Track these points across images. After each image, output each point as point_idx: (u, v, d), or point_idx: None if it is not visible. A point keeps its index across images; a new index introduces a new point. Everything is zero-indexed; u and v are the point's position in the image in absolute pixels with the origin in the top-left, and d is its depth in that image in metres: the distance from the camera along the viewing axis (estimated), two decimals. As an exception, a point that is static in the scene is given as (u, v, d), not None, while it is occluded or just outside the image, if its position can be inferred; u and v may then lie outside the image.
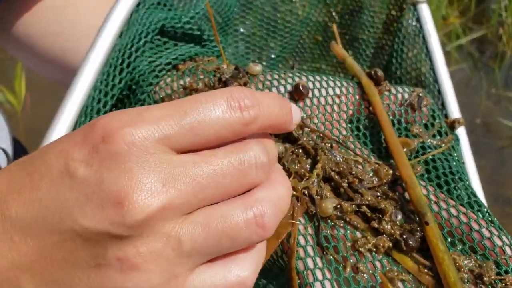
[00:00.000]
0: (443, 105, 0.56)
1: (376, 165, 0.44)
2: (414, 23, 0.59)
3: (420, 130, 0.48)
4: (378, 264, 0.39)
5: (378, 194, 0.42)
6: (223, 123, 0.31)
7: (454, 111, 0.55)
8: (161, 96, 0.47)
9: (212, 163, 0.31)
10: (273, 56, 0.64)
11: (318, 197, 0.41)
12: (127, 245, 0.29)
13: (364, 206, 0.41)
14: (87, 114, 0.46)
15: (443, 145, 0.48)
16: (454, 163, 0.46)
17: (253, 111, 0.32)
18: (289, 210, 0.40)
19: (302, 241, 0.39)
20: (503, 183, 1.82)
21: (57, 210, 0.29)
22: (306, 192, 0.41)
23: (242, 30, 0.63)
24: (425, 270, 0.38)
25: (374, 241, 0.39)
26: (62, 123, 0.46)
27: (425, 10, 0.59)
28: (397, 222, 0.41)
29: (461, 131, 0.54)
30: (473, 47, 2.29)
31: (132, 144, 0.29)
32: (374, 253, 0.39)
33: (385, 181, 0.43)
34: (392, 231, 0.40)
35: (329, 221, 0.41)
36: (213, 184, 0.31)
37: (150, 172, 0.29)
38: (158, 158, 0.30)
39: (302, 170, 0.42)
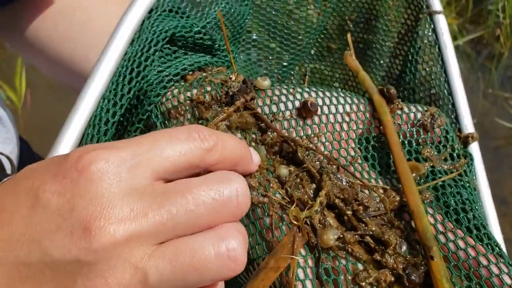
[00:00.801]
0: (457, 119, 0.55)
1: (382, 193, 0.43)
2: (430, 34, 0.59)
3: (432, 153, 0.46)
4: None
5: (383, 222, 0.41)
6: (187, 150, 0.33)
7: (468, 125, 0.55)
8: (167, 107, 0.46)
9: (186, 192, 0.32)
10: (285, 63, 0.64)
11: (321, 225, 0.40)
12: (96, 275, 0.29)
13: (367, 237, 0.40)
14: (95, 124, 0.45)
15: (455, 170, 0.47)
16: (465, 190, 0.45)
17: (212, 140, 0.35)
18: (289, 241, 0.39)
19: (301, 275, 0.38)
20: (499, 183, 1.83)
21: (26, 243, 0.29)
22: (308, 221, 0.40)
23: (254, 37, 0.62)
24: None
25: (375, 275, 0.38)
26: (70, 133, 0.45)
27: (441, 21, 0.58)
28: (402, 253, 0.39)
29: (474, 147, 0.54)
30: (470, 47, 2.29)
31: (105, 171, 0.30)
32: (376, 285, 0.38)
33: (391, 207, 0.42)
34: (395, 265, 0.39)
35: (330, 251, 0.39)
36: (184, 215, 0.31)
37: (121, 198, 0.30)
38: (129, 185, 0.31)
39: (306, 196, 0.41)
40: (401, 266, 0.39)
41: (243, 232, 0.34)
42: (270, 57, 0.63)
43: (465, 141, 0.53)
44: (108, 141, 0.45)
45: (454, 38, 2.14)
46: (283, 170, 0.43)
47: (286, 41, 0.62)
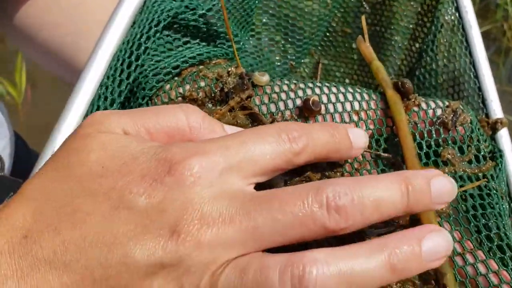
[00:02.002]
0: (484, 104, 0.51)
1: None
2: (452, 12, 0.55)
3: (453, 155, 0.41)
4: None
5: None
6: (277, 153, 0.32)
7: (496, 109, 0.51)
8: (157, 104, 0.43)
9: (274, 200, 0.30)
10: (298, 49, 0.60)
11: None
12: (173, 278, 0.29)
13: None
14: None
15: (480, 175, 0.41)
16: (491, 201, 0.40)
17: (301, 142, 0.33)
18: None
19: None
20: (508, 180, 1.79)
21: (106, 243, 0.28)
22: None
23: (265, 20, 0.59)
24: None
25: None
26: (68, 123, 0.42)
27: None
28: (411, 278, 0.35)
29: (503, 134, 0.50)
30: (477, 42, 2.26)
31: (197, 175, 0.30)
32: None
33: (402, 223, 0.37)
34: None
35: None
36: (271, 224, 0.30)
37: (211, 203, 0.30)
38: (220, 189, 0.30)
39: None
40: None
41: (328, 260, 0.29)
42: (282, 42, 0.59)
43: (494, 127, 0.49)
44: None
45: (461, 32, 2.11)
46: (277, 181, 0.38)
47: (299, 24, 0.59)
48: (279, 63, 0.59)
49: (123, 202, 0.29)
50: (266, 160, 0.32)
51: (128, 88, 0.43)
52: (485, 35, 2.27)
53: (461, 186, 0.40)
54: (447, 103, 0.42)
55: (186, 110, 0.35)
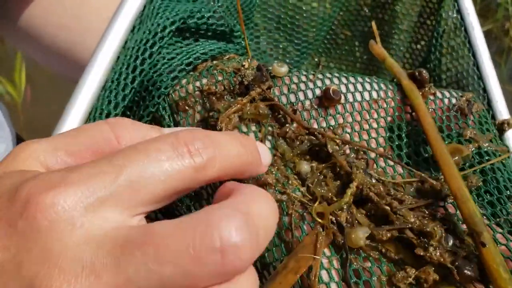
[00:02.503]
0: (489, 105, 0.51)
1: (421, 185, 0.38)
2: (454, 15, 0.54)
3: (475, 132, 0.42)
4: None
5: (424, 215, 0.36)
6: (171, 174, 0.26)
7: (502, 110, 0.50)
8: (175, 99, 0.42)
9: (148, 244, 0.24)
10: (297, 52, 0.59)
11: (348, 224, 0.35)
12: None
13: (406, 231, 0.35)
14: (96, 117, 0.41)
15: (501, 154, 0.41)
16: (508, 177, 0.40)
17: (206, 154, 0.27)
18: (311, 241, 0.34)
19: (326, 277, 0.33)
20: None
21: None
22: (334, 219, 0.35)
23: (264, 24, 0.58)
24: None
25: (416, 273, 0.33)
26: (68, 127, 0.41)
27: (467, 2, 0.53)
28: (448, 248, 0.34)
29: (510, 135, 0.49)
30: (479, 42, 2.25)
31: (54, 217, 0.24)
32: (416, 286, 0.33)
33: (430, 200, 0.37)
34: (442, 259, 0.33)
35: (360, 252, 0.34)
36: (145, 277, 0.24)
37: (73, 251, 0.24)
38: (85, 232, 0.25)
39: (330, 194, 0.37)
40: (449, 259, 0.33)
41: None
42: (281, 46, 0.58)
43: (500, 128, 0.48)
44: None
45: (462, 33, 2.10)
46: (305, 166, 0.38)
47: (297, 28, 0.58)
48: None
49: None
50: (157, 183, 0.26)
51: (133, 91, 0.42)
52: (486, 35, 2.26)
53: (487, 161, 0.40)
54: (461, 94, 0.43)
55: (112, 121, 0.30)
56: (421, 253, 0.34)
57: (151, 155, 0.26)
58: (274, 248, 0.35)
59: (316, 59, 0.63)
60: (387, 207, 0.36)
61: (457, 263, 0.33)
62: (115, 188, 0.25)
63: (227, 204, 0.26)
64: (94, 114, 0.41)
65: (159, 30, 0.43)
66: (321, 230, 0.34)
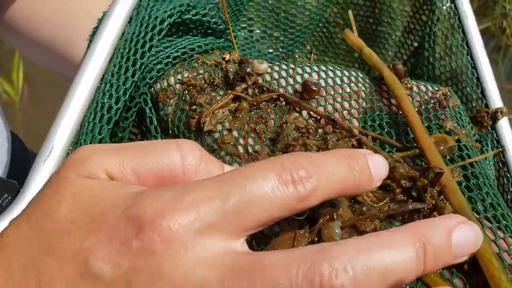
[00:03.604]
0: (483, 94, 0.50)
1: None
2: (448, 4, 0.54)
3: (455, 125, 0.41)
4: None
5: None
6: (274, 202, 0.27)
7: (496, 99, 0.50)
8: (156, 91, 0.42)
9: (265, 278, 0.25)
10: (290, 42, 0.59)
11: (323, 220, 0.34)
12: None
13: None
14: (96, 111, 0.40)
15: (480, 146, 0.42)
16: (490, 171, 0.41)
17: (310, 184, 0.27)
18: (288, 238, 0.33)
19: None
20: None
21: None
22: (312, 215, 0.34)
23: (257, 12, 0.58)
24: None
25: None
26: (67, 120, 0.40)
27: (460, -11, 0.53)
28: None
29: (503, 123, 0.49)
30: (476, 39, 2.25)
31: (169, 240, 0.25)
32: None
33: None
34: None
35: None
36: None
37: (183, 274, 0.25)
38: (196, 255, 0.26)
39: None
40: None
41: None
42: (274, 34, 0.58)
43: (494, 116, 0.48)
44: (110, 133, 0.41)
45: (460, 30, 2.10)
46: None
47: (291, 17, 0.58)
48: (270, 55, 0.58)
49: (88, 269, 0.26)
50: (261, 212, 0.27)
51: (134, 85, 0.42)
52: (484, 33, 2.26)
53: (467, 154, 0.40)
54: (436, 88, 0.43)
55: (182, 149, 0.30)
56: None
57: (256, 183, 0.27)
58: (253, 240, 0.34)
59: (308, 47, 0.62)
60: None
61: None
62: (223, 214, 0.26)
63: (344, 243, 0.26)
64: (96, 108, 0.41)
65: (157, 22, 0.43)
66: (297, 227, 0.33)
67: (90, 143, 0.39)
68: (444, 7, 0.54)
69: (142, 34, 0.42)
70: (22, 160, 0.66)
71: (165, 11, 0.43)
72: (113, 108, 0.40)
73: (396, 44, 0.59)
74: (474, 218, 0.33)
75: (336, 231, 0.33)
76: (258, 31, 0.58)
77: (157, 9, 0.44)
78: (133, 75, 0.41)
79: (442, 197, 0.36)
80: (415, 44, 0.58)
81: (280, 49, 0.58)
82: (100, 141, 0.40)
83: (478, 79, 0.51)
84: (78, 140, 0.39)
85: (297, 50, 0.61)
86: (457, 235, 0.27)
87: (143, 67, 0.42)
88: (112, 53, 0.43)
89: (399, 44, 0.59)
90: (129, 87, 0.41)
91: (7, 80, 1.86)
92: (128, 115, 0.43)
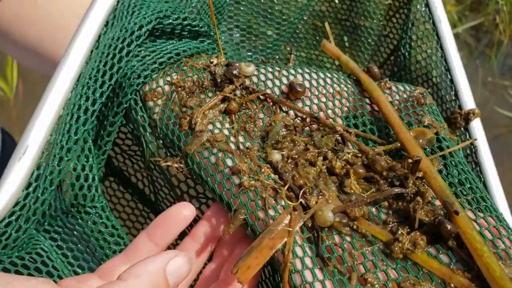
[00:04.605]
0: (457, 96, 0.52)
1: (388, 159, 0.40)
2: (423, 9, 0.55)
3: (433, 119, 0.43)
4: (392, 273, 0.34)
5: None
6: None
7: (468, 100, 0.51)
8: (144, 91, 0.43)
9: None
10: (269, 45, 0.60)
11: (316, 202, 0.37)
12: None
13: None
14: (73, 113, 0.41)
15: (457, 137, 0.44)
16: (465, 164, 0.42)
17: None
18: (284, 219, 0.35)
19: (300, 252, 0.35)
20: (498, 173, 1.79)
21: None
22: (304, 202, 0.37)
23: (236, 17, 0.59)
24: (459, 271, 0.34)
25: (409, 238, 0.35)
26: (41, 120, 0.40)
27: (435, -6, 0.54)
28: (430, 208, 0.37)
29: (476, 124, 0.50)
30: (469, 35, 2.25)
31: None
32: (386, 259, 0.35)
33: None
34: (427, 218, 0.36)
35: (332, 230, 0.36)
36: None
37: None
38: None
39: (301, 181, 0.38)
40: (431, 218, 0.36)
41: None
42: (254, 38, 0.59)
43: (467, 118, 0.50)
44: (87, 132, 0.42)
45: (453, 25, 2.10)
46: (276, 155, 0.40)
47: (270, 21, 0.58)
48: (250, 58, 0.59)
49: None
50: None
51: (110, 88, 0.43)
52: (477, 28, 2.26)
53: (446, 146, 0.42)
54: (413, 88, 0.46)
55: None
56: (414, 215, 0.36)
57: None
58: (248, 228, 0.36)
59: (288, 48, 0.63)
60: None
61: (438, 220, 0.35)
62: None
63: None
64: (72, 110, 0.41)
65: (136, 28, 0.43)
66: (292, 209, 0.36)
67: (66, 143, 0.40)
68: (419, 11, 0.55)
69: (121, 40, 0.43)
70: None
71: (144, 17, 0.44)
72: (89, 110, 0.41)
73: (372, 47, 0.60)
74: (454, 198, 0.36)
75: (329, 214, 0.35)
76: (237, 34, 0.59)
77: (137, 15, 0.44)
78: (110, 79, 0.42)
79: (424, 181, 0.38)
80: (391, 47, 0.59)
81: (259, 52, 0.59)
82: (76, 142, 0.41)
83: (452, 81, 0.52)
84: (54, 140, 0.40)
85: (277, 52, 0.62)
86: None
87: (120, 70, 0.43)
88: (89, 56, 0.43)
89: (375, 47, 0.60)
90: (106, 90, 0.42)
91: (1, 77, 1.86)
92: (110, 114, 0.43)
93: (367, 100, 0.44)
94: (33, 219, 0.38)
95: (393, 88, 0.45)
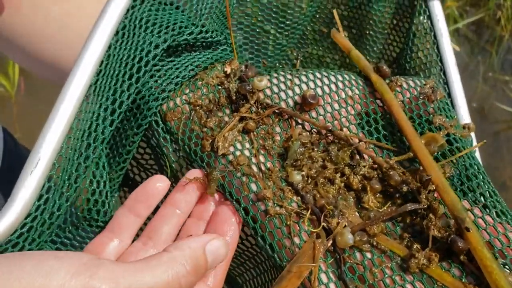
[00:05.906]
0: (454, 109, 0.53)
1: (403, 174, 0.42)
2: (425, 21, 0.56)
3: (444, 120, 0.45)
4: (409, 287, 0.37)
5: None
6: None
7: (464, 115, 0.53)
8: (164, 111, 0.45)
9: None
10: (271, 48, 0.61)
11: (337, 224, 0.40)
12: None
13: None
14: (91, 132, 0.42)
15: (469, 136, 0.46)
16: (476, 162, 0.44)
17: None
18: (309, 248, 0.39)
19: (325, 279, 0.38)
20: (498, 168, 1.80)
21: None
22: (326, 225, 0.40)
23: (242, 20, 0.60)
24: (470, 285, 0.36)
25: (424, 254, 0.37)
26: (53, 133, 0.40)
27: (437, 8, 0.55)
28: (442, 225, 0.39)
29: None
30: (470, 30, 2.25)
31: None
32: (403, 274, 0.37)
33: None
34: (440, 235, 0.38)
35: (354, 248, 0.39)
36: None
37: None
38: None
39: (322, 201, 0.41)
40: (445, 235, 0.38)
41: None
42: (256, 41, 0.60)
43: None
44: (102, 149, 0.43)
45: (454, 21, 2.10)
46: (296, 177, 0.42)
47: (275, 26, 0.60)
48: (251, 61, 0.60)
49: None
50: None
51: (128, 109, 0.44)
52: (478, 24, 2.26)
53: (456, 148, 0.44)
54: (424, 81, 0.47)
55: None
56: (423, 223, 0.39)
57: None
58: (275, 254, 0.39)
59: (294, 53, 0.65)
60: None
61: (451, 238, 0.37)
62: None
63: None
64: (90, 128, 0.42)
65: (152, 47, 0.44)
66: (315, 238, 0.39)
67: (77, 159, 0.41)
68: (421, 24, 0.56)
69: (137, 59, 0.43)
70: (14, 156, 0.66)
71: (159, 36, 0.44)
72: (106, 130, 0.42)
73: (376, 55, 0.62)
74: (465, 213, 0.38)
75: (349, 236, 0.39)
76: (241, 37, 0.60)
77: (150, 32, 0.44)
78: (127, 98, 0.43)
79: (435, 194, 0.40)
80: (394, 56, 0.60)
81: (261, 56, 0.61)
82: (92, 160, 0.42)
83: (449, 94, 0.53)
84: (66, 153, 0.40)
85: (283, 57, 0.63)
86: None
87: (137, 91, 0.43)
88: (99, 64, 0.43)
89: (379, 55, 0.61)
90: (123, 112, 0.43)
91: (3, 73, 1.85)
92: (130, 133, 0.45)
93: (379, 102, 0.46)
94: (46, 232, 0.39)
95: (404, 85, 0.46)
